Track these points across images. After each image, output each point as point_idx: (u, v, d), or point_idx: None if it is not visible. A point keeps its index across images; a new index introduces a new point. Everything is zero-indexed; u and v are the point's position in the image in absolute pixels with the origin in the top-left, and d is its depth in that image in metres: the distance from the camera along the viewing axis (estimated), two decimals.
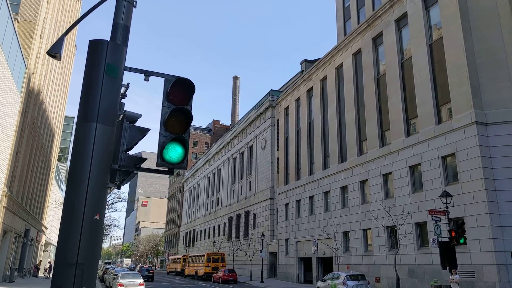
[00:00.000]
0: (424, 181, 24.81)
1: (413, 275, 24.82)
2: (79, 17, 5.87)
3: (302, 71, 47.04)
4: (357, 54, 33.96)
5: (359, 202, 30.90)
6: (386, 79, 29.54)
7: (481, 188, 20.92)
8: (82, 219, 3.81)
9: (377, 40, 31.56)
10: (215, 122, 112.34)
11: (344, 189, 33.40)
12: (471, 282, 20.77)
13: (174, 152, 4.67)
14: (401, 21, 29.00)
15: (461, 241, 19.47)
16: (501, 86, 22.21)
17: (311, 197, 38.09)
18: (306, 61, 47.05)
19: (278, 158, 48.41)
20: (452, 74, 23.64)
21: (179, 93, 4.89)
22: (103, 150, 4.05)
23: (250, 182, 57.42)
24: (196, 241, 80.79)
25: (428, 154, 24.68)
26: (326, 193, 35.90)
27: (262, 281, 39.38)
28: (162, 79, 5.00)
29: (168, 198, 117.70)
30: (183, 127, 4.82)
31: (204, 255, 47.67)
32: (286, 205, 42.85)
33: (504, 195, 20.69)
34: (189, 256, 57.42)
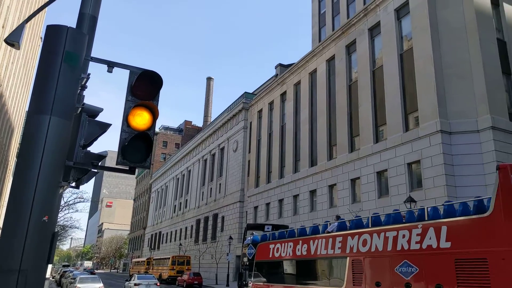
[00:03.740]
0: (390, 187, 25.33)
1: None
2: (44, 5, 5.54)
3: (276, 75, 47.27)
4: (330, 61, 34.39)
5: (327, 206, 31.22)
6: (358, 86, 30.03)
7: (443, 194, 21.51)
8: (28, 221, 3.45)
9: (350, 48, 32.06)
10: (187, 122, 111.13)
11: (313, 193, 33.67)
12: None
13: (136, 150, 4.39)
14: (374, 30, 29.57)
15: None
16: (465, 97, 22.96)
17: (281, 200, 38.19)
18: (280, 65, 47.29)
19: (249, 161, 48.30)
20: (420, 84, 24.27)
21: (144, 86, 4.57)
22: (56, 145, 3.69)
23: (220, 184, 57.02)
24: (162, 243, 79.46)
25: (394, 160, 25.22)
26: (295, 197, 36.09)
27: (227, 285, 39.08)
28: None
29: (134, 199, 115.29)
30: (147, 124, 4.49)
31: (169, 258, 46.85)
32: (256, 208, 42.78)
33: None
34: (153, 259, 56.35)
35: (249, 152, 48.85)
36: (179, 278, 42.71)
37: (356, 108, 30.06)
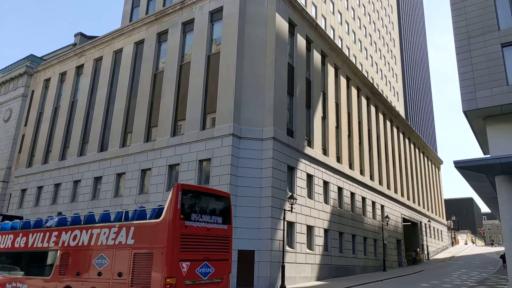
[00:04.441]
0: (180, 181, 25.97)
1: None
2: None
3: (75, 44, 42.38)
4: (139, 44, 33.09)
5: (111, 195, 29.72)
6: (164, 77, 29.82)
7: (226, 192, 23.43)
8: None
9: (162, 36, 31.60)
10: None
11: (98, 180, 31.53)
12: None
13: None
14: (187, 26, 30.00)
15: None
16: (256, 108, 25.76)
17: (58, 185, 34.31)
18: (81, 35, 42.69)
19: (24, 135, 41.61)
20: (222, 88, 25.90)
21: None
22: None
23: None
24: None
25: (188, 156, 26.07)
26: (76, 182, 33.04)
27: None
28: None
29: None
30: None
31: None
32: (24, 191, 37.15)
33: (241, 200, 23.83)
34: None
35: (26, 125, 42.18)
36: None
37: (158, 98, 29.78)
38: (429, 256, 55.13)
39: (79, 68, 37.81)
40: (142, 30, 32.84)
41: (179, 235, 11.30)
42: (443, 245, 68.25)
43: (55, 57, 41.13)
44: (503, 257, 34.49)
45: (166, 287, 10.72)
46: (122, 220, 13.07)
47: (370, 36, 56.27)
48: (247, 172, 24.41)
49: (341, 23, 45.97)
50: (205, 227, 12.20)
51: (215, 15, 28.49)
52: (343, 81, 36.66)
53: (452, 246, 76.87)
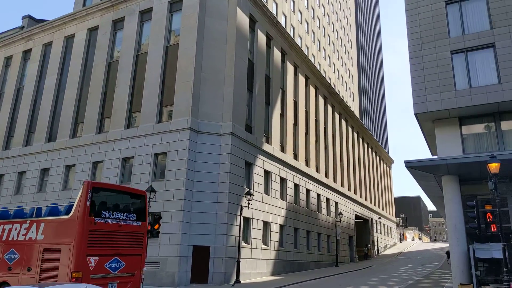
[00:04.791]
0: (133, 174, 25.23)
1: None
2: None
3: (22, 27, 39.85)
4: (93, 31, 31.67)
5: (60, 187, 28.35)
6: (118, 66, 28.74)
7: (182, 187, 23.04)
8: None
9: (117, 24, 30.42)
10: None
11: (45, 171, 29.96)
12: (155, 272, 22.31)
13: None
14: (145, 15, 29.07)
15: (155, 234, 20.76)
16: (215, 102, 25.46)
17: (0, 176, 32.27)
18: (30, 17, 40.18)
19: None
20: (180, 80, 25.35)
21: None
22: None
23: None
24: None
25: (143, 149, 25.32)
26: (21, 174, 31.23)
27: None
28: None
29: None
30: None
31: None
32: None
33: (198, 195, 23.51)
34: None
35: None
36: None
37: (112, 88, 28.68)
38: (379, 251, 57.30)
39: (27, 53, 35.69)
40: (96, 16, 31.46)
41: (87, 231, 11.64)
42: (392, 241, 71.19)
43: (0, 39, 38.51)
44: (448, 252, 36.45)
45: (72, 280, 11.10)
46: (34, 216, 13.30)
47: (329, 37, 57.36)
48: (205, 167, 24.10)
49: (301, 22, 46.47)
50: (117, 224, 12.52)
51: (175, 5, 27.80)
52: (301, 80, 37.10)
53: (400, 242, 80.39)
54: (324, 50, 54.38)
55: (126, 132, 26.48)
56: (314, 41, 50.38)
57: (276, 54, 32.43)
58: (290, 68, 34.73)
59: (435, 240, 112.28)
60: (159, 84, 26.28)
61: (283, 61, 33.88)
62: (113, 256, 12.25)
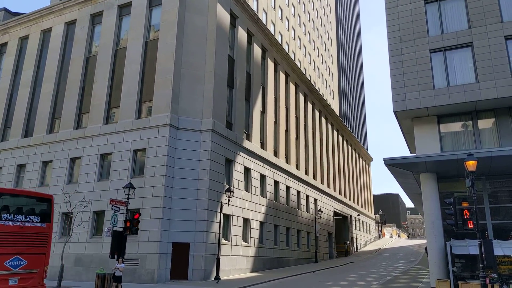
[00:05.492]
0: (112, 171, 24.80)
1: (79, 263, 24.08)
2: None
3: None
4: (70, 25, 30.93)
5: (36, 184, 27.63)
6: (97, 61, 28.16)
7: (161, 184, 22.76)
8: None
9: (96, 18, 29.77)
10: None
11: (21, 167, 29.16)
12: (134, 269, 22.01)
13: None
14: (124, 9, 28.53)
15: (134, 231, 20.46)
16: (195, 98, 25.22)
17: None
18: (6, 10, 38.94)
19: None
20: (159, 76, 25.00)
21: None
22: None
23: None
24: None
25: (121, 145, 24.90)
26: None
27: None
28: None
29: None
30: None
31: None
32: None
33: (177, 192, 23.26)
34: None
35: None
36: None
37: (90, 83, 28.09)
38: (358, 248, 58.06)
39: (2, 47, 34.63)
40: (74, 10, 30.72)
41: None
42: (371, 238, 72.24)
43: None
44: (427, 249, 37.16)
45: None
46: None
47: (309, 34, 57.61)
48: (184, 164, 23.86)
49: (281, 19, 46.49)
50: (18, 226, 13.37)
51: (154, 0, 27.37)
52: (282, 77, 37.13)
53: (379, 239, 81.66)
54: (305, 48, 54.60)
55: (105, 128, 25.98)
56: (294, 38, 50.51)
57: (257, 50, 32.35)
58: (270, 65, 34.70)
59: (409, 236, 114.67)
60: (138, 80, 25.87)
61: (263, 58, 33.83)
62: (14, 255, 13.23)
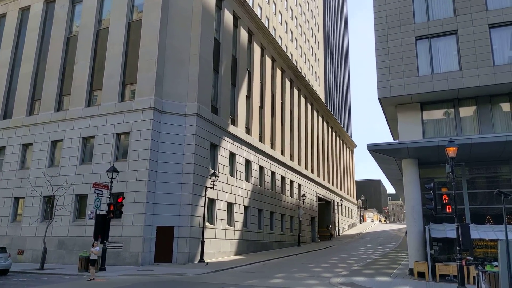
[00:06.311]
0: (94, 154, 24.48)
1: (62, 247, 23.90)
2: None
3: None
4: (50, 3, 30.00)
5: (16, 167, 27.12)
6: (78, 42, 27.46)
7: (145, 168, 22.59)
8: None
9: None
10: None
11: (0, 150, 28.51)
12: (118, 253, 21.96)
13: None
14: None
15: (118, 214, 20.38)
16: (180, 82, 24.91)
17: None
18: None
19: None
20: (143, 58, 24.56)
21: None
22: None
23: None
24: None
25: (104, 128, 24.54)
26: None
27: None
28: None
29: None
30: None
31: None
32: None
33: (161, 176, 23.15)
34: None
35: None
36: None
37: (71, 64, 27.44)
38: (340, 232, 59.05)
39: None
40: None
41: None
42: (353, 222, 73.50)
43: None
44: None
45: None
46: None
47: (296, 19, 57.20)
48: (169, 148, 23.69)
49: (268, 3, 45.97)
50: None
51: None
52: (268, 62, 36.92)
53: (360, 223, 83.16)
54: (291, 32, 54.24)
55: (87, 111, 25.52)
56: (281, 23, 50.08)
57: (243, 34, 32.01)
58: (257, 50, 34.43)
59: (385, 220, 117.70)
60: (121, 62, 25.38)
61: (250, 42, 33.51)
62: None
